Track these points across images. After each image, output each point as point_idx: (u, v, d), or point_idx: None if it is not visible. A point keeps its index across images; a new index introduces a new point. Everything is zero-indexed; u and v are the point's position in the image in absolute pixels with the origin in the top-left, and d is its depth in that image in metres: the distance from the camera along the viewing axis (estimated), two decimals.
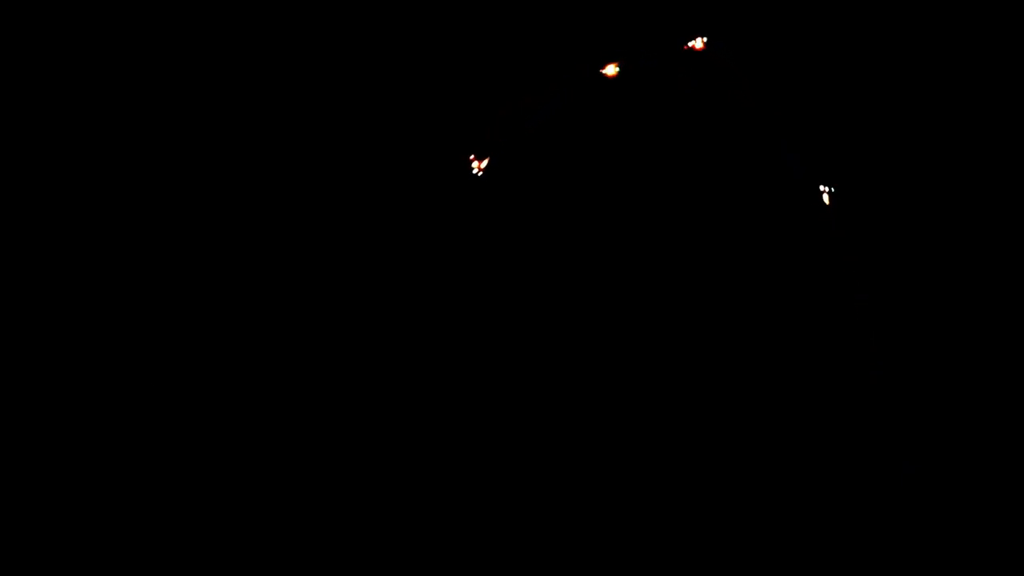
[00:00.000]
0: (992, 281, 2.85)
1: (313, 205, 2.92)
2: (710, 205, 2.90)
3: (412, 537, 2.77)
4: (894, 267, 2.87)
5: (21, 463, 2.78)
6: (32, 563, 2.73)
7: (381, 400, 2.84)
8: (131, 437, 2.81)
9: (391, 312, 2.89)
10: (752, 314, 2.84)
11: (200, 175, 2.92)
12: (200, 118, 2.94)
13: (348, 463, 2.81)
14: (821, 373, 2.81)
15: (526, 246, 2.90)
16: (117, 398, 2.82)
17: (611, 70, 2.82)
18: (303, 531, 2.77)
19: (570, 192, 2.92)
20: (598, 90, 2.95)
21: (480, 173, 2.81)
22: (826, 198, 2.76)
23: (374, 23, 2.98)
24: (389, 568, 2.75)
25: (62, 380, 2.82)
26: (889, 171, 2.92)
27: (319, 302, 2.89)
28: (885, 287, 2.86)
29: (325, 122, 2.95)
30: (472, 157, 2.83)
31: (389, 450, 2.82)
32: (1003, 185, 2.89)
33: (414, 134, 2.95)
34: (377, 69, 2.97)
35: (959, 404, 2.80)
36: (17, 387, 2.81)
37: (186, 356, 2.85)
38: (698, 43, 2.73)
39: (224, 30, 2.96)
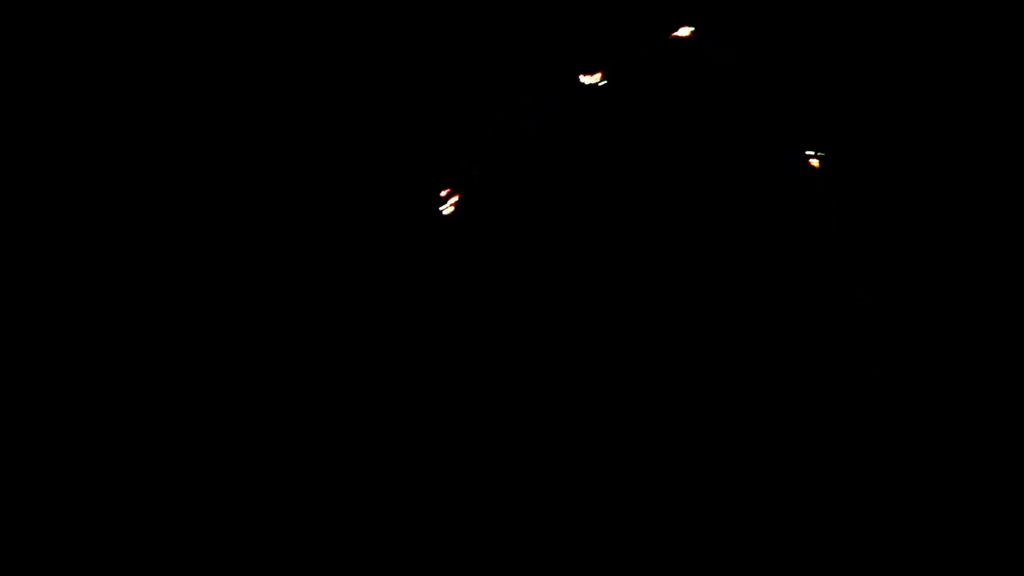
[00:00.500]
0: (993, 281, 2.85)
1: (311, 205, 2.93)
2: (710, 205, 2.90)
3: (411, 537, 2.77)
4: (894, 267, 2.87)
5: (20, 463, 2.78)
6: (32, 563, 2.73)
7: (379, 404, 2.85)
8: (128, 436, 2.81)
9: (390, 313, 2.89)
10: (752, 314, 2.84)
11: (178, 176, 2.92)
12: (186, 117, 2.94)
13: (343, 467, 2.81)
14: (821, 373, 2.81)
15: (526, 245, 2.90)
16: (112, 396, 2.82)
17: (596, 78, 2.82)
18: (301, 531, 2.77)
19: (570, 191, 2.92)
20: (597, 90, 2.95)
21: (451, 210, 2.80)
22: (815, 162, 2.75)
23: (373, 23, 2.98)
24: (389, 568, 2.75)
25: (58, 379, 2.82)
26: (890, 171, 2.92)
27: (316, 302, 2.89)
28: (885, 287, 2.86)
29: (323, 122, 2.96)
30: (446, 191, 2.80)
31: (386, 453, 2.82)
32: (1003, 185, 2.89)
33: (414, 134, 2.96)
34: (376, 69, 2.97)
35: (959, 404, 2.79)
36: (16, 387, 2.81)
37: (164, 361, 2.85)
38: (683, 32, 2.73)
39: (219, 28, 2.96)
